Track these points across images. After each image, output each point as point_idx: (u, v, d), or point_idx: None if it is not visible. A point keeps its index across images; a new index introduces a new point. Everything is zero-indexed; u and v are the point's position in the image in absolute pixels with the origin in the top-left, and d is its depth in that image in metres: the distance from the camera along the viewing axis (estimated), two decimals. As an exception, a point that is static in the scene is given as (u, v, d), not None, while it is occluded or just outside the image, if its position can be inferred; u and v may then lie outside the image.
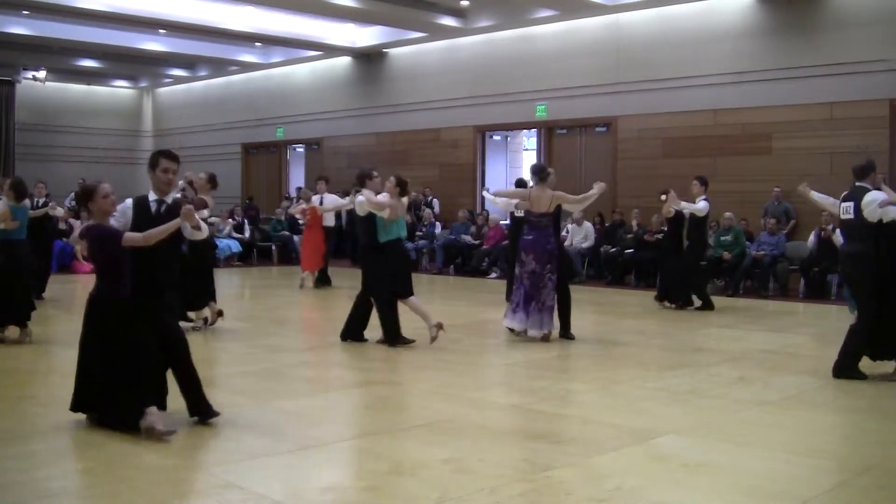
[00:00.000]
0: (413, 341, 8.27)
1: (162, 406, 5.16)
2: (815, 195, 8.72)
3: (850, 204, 7.16)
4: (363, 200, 8.15)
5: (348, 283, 15.96)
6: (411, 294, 8.38)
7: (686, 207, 11.38)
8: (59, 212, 12.62)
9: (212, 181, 9.50)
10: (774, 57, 14.42)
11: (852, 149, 12.57)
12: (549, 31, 17.30)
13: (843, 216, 7.34)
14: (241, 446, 4.90)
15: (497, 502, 3.98)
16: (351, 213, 18.61)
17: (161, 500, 3.99)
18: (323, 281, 14.03)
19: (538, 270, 8.65)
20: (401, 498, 4.04)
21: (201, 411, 5.29)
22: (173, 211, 5.24)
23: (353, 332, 8.46)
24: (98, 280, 5.18)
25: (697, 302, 11.50)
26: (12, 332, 8.30)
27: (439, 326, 8.22)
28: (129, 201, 5.32)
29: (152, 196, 5.34)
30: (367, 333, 8.54)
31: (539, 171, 8.91)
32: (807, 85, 14.07)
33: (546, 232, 8.74)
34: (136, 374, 5.02)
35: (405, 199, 8.52)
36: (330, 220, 14.43)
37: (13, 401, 6.08)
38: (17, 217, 8.74)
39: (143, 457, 4.62)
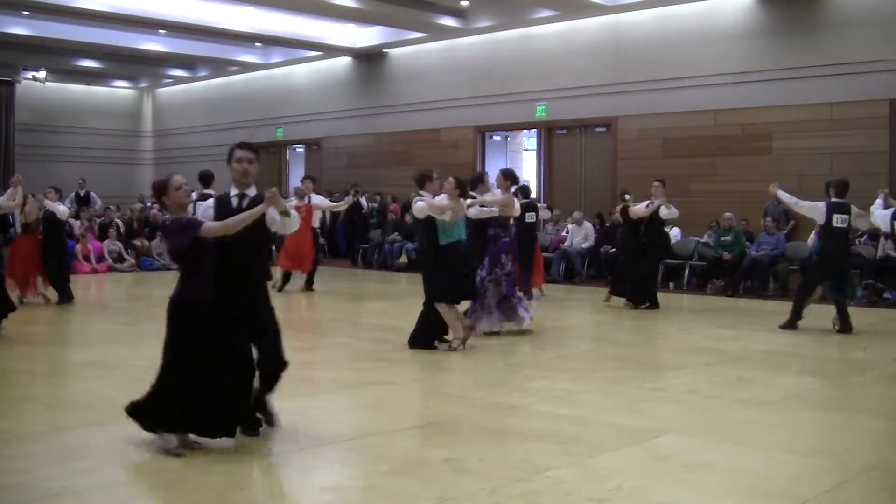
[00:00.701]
0: (436, 348, 8.23)
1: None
2: (783, 195, 10.08)
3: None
4: (423, 206, 8.00)
5: (342, 283, 15.98)
6: (475, 297, 8.57)
7: (667, 212, 11.51)
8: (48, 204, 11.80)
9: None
10: (774, 57, 14.42)
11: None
12: (549, 31, 17.29)
13: (837, 224, 9.41)
14: (241, 446, 4.89)
15: (497, 502, 3.98)
16: (335, 214, 18.74)
17: (161, 501, 3.99)
18: (308, 284, 13.59)
19: (513, 271, 8.97)
20: (401, 498, 4.04)
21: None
22: (257, 204, 4.92)
23: (422, 339, 8.23)
24: (180, 281, 4.84)
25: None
26: None
27: (465, 339, 8.17)
28: (211, 200, 5.15)
29: (233, 191, 5.08)
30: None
31: (515, 177, 9.12)
32: (807, 85, 14.07)
33: (513, 234, 9.27)
34: (231, 380, 4.79)
35: (464, 200, 8.40)
36: (315, 221, 13.96)
37: (13, 401, 6.08)
38: None
39: (144, 457, 4.62)
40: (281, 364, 5.26)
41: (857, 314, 11.60)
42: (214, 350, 4.73)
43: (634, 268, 11.61)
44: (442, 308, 8.07)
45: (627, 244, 12.07)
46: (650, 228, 11.69)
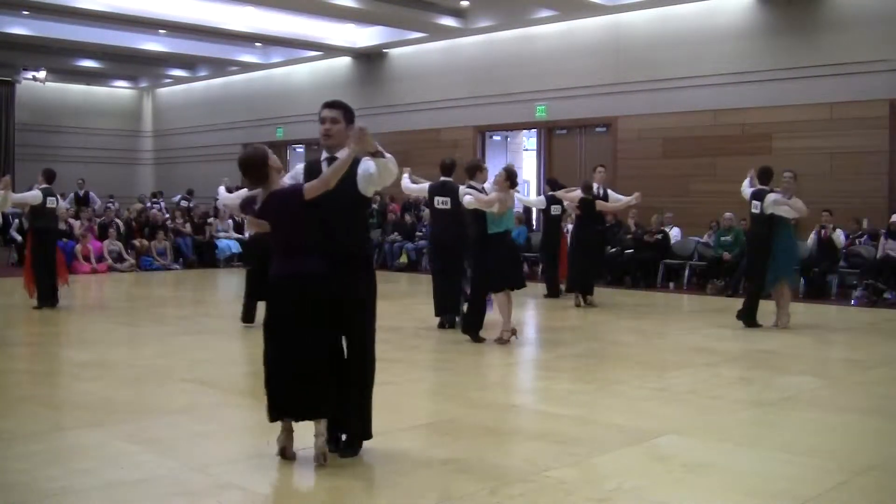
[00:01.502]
0: (483, 340, 8.40)
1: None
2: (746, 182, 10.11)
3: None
4: (471, 200, 8.21)
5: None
6: (524, 286, 8.60)
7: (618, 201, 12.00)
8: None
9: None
10: (774, 57, 14.43)
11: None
12: (549, 31, 17.30)
13: (753, 211, 9.76)
14: (241, 446, 4.90)
15: (497, 502, 3.98)
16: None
17: (161, 500, 3.99)
18: None
19: None
20: (401, 498, 4.04)
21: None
22: (350, 169, 4.54)
23: (474, 326, 8.47)
24: (281, 258, 4.43)
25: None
26: None
27: (514, 332, 8.35)
28: (300, 166, 4.82)
29: (323, 155, 4.76)
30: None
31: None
32: (807, 85, 14.07)
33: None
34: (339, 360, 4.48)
35: (514, 192, 8.61)
36: None
37: (13, 401, 6.08)
38: None
39: (143, 457, 4.62)
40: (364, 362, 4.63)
41: (857, 314, 11.63)
42: (321, 329, 4.37)
43: (593, 262, 11.99)
44: (499, 298, 8.31)
45: (588, 239, 11.96)
46: (600, 221, 12.18)
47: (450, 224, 9.23)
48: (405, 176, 9.70)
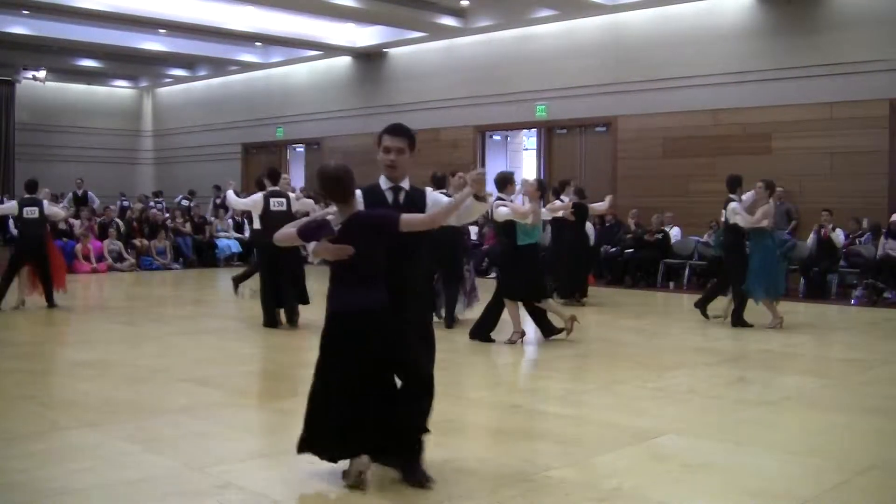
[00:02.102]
0: (493, 341, 8.49)
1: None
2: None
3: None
4: (507, 212, 8.21)
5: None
6: (547, 297, 8.76)
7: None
8: None
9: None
10: (774, 57, 14.42)
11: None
12: (549, 31, 17.29)
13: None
14: (241, 446, 4.90)
15: (497, 502, 3.98)
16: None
17: (161, 500, 3.99)
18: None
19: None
20: (401, 498, 4.04)
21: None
22: (416, 201, 4.25)
23: (482, 331, 8.55)
24: (345, 288, 4.07)
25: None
26: None
27: (573, 319, 8.55)
28: (358, 191, 4.21)
29: (385, 183, 4.27)
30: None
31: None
32: (807, 85, 14.07)
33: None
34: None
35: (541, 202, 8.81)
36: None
37: (13, 401, 6.08)
38: None
39: (143, 457, 4.62)
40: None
41: (857, 313, 11.63)
42: (385, 363, 4.08)
43: (583, 265, 12.18)
44: (509, 304, 8.43)
45: (581, 242, 12.18)
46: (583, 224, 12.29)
47: (448, 233, 9.22)
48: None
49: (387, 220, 4.01)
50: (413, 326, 4.22)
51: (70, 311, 10.99)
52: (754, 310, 9.85)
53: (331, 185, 4.07)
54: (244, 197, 10.78)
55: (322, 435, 4.12)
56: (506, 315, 8.53)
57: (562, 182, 12.79)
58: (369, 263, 4.03)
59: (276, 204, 9.54)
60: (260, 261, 9.78)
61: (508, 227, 8.33)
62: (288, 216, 9.81)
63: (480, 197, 4.18)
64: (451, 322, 9.47)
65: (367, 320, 4.01)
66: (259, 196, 9.63)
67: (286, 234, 4.08)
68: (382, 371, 4.10)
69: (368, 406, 4.04)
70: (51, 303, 10.91)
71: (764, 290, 9.55)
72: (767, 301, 9.68)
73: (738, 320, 9.74)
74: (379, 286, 4.04)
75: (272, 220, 9.23)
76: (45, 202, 11.40)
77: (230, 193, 10.53)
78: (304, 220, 4.12)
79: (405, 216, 4.03)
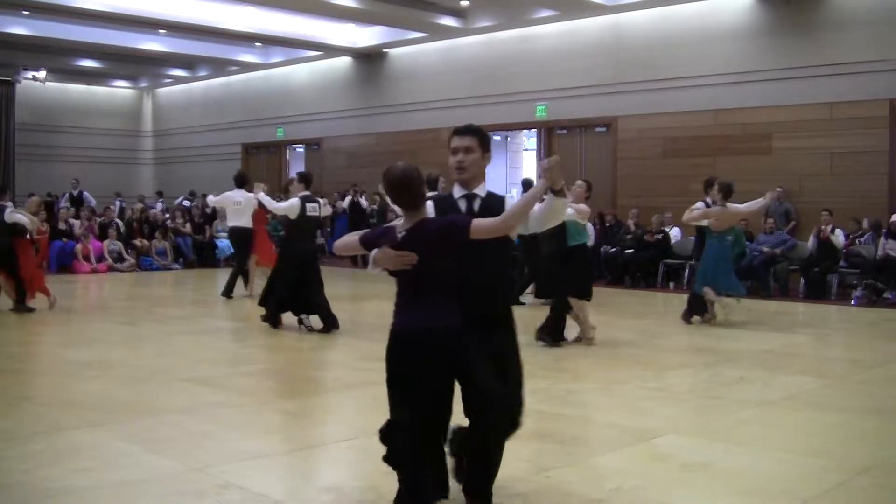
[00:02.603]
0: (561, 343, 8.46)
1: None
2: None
3: None
4: (571, 212, 8.22)
5: (342, 283, 15.96)
6: (590, 298, 8.65)
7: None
8: None
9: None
10: (774, 57, 14.42)
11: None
12: (549, 31, 17.29)
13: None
14: (241, 446, 4.89)
15: (497, 502, 3.97)
16: (334, 214, 18.55)
17: (161, 500, 3.99)
18: (228, 291, 12.51)
19: None
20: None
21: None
22: (492, 209, 3.71)
23: (553, 332, 8.50)
24: (410, 304, 3.60)
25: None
26: None
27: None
28: (429, 202, 3.78)
29: (458, 192, 3.83)
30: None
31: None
32: (807, 85, 14.07)
33: None
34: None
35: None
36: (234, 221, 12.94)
37: (13, 401, 6.08)
38: None
39: (143, 457, 4.62)
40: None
41: (857, 314, 11.63)
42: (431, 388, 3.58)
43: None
44: (582, 305, 8.46)
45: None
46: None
47: None
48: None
49: (456, 226, 3.54)
50: (490, 351, 3.64)
51: (70, 312, 10.99)
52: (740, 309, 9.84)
53: (398, 188, 3.58)
54: (280, 200, 10.84)
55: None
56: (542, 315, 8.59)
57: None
58: (437, 276, 3.56)
59: (312, 210, 9.58)
60: (284, 266, 9.45)
61: (558, 229, 8.33)
62: (318, 222, 10.36)
63: (558, 190, 3.67)
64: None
65: (430, 341, 3.53)
66: (297, 200, 9.57)
67: (348, 242, 3.76)
68: (441, 406, 3.60)
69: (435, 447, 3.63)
70: (18, 306, 10.51)
71: (705, 284, 9.79)
72: (711, 295, 9.81)
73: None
74: (447, 303, 3.56)
75: (307, 224, 9.55)
76: (8, 209, 10.85)
77: (264, 196, 10.54)
78: (380, 228, 3.77)
79: (476, 221, 3.54)
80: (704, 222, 9.99)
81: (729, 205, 9.88)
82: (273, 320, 9.43)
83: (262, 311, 9.56)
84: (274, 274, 9.73)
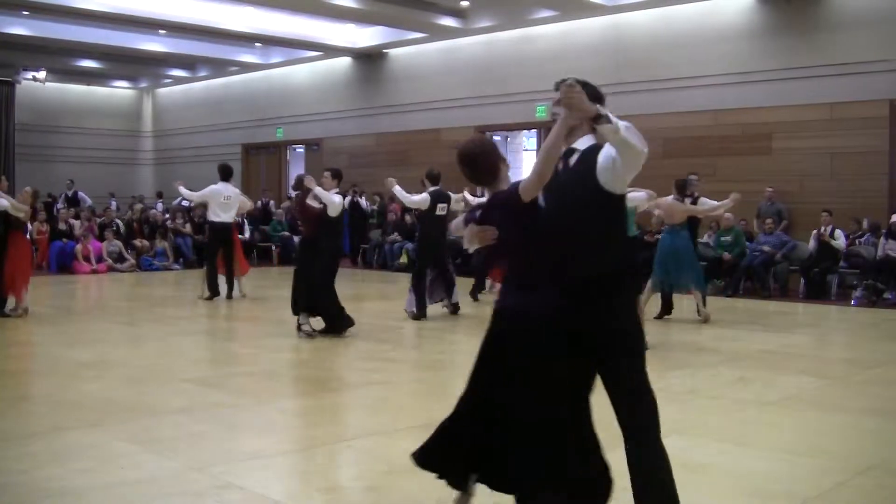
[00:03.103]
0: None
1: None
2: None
3: None
4: (644, 196, 8.59)
5: (341, 283, 15.94)
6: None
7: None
8: None
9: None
10: (774, 57, 14.42)
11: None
12: (549, 31, 17.29)
13: None
14: (241, 446, 4.89)
15: (497, 502, 3.97)
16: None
17: (161, 500, 3.99)
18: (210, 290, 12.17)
19: None
20: (401, 498, 4.04)
21: None
22: (588, 161, 3.20)
23: None
24: (505, 282, 3.43)
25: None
26: None
27: None
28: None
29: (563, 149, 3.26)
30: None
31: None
32: (807, 85, 14.07)
33: None
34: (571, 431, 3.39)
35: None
36: (214, 215, 12.38)
37: (13, 401, 6.08)
38: None
39: (143, 457, 4.62)
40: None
41: (857, 314, 11.63)
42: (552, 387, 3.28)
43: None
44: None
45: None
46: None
47: (445, 228, 10.27)
48: (397, 188, 10.57)
49: (512, 194, 3.25)
50: (605, 329, 3.22)
51: (70, 312, 10.99)
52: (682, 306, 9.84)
53: (461, 162, 3.41)
54: (415, 195, 10.81)
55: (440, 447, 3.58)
56: None
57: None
58: (516, 253, 3.32)
59: (441, 209, 10.45)
60: (326, 265, 8.97)
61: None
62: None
63: (595, 118, 3.04)
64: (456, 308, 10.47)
65: (509, 323, 3.31)
66: (427, 195, 10.37)
67: (458, 223, 3.60)
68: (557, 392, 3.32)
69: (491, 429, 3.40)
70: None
71: (658, 280, 10.06)
72: (651, 291, 10.06)
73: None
74: (532, 283, 3.23)
75: (435, 222, 10.39)
76: None
77: (398, 189, 10.53)
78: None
79: (523, 181, 3.21)
80: (657, 211, 10.41)
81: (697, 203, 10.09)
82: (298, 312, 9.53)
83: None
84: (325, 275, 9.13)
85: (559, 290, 3.17)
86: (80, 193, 21.25)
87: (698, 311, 10.24)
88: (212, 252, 12.40)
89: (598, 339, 3.24)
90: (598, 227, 3.20)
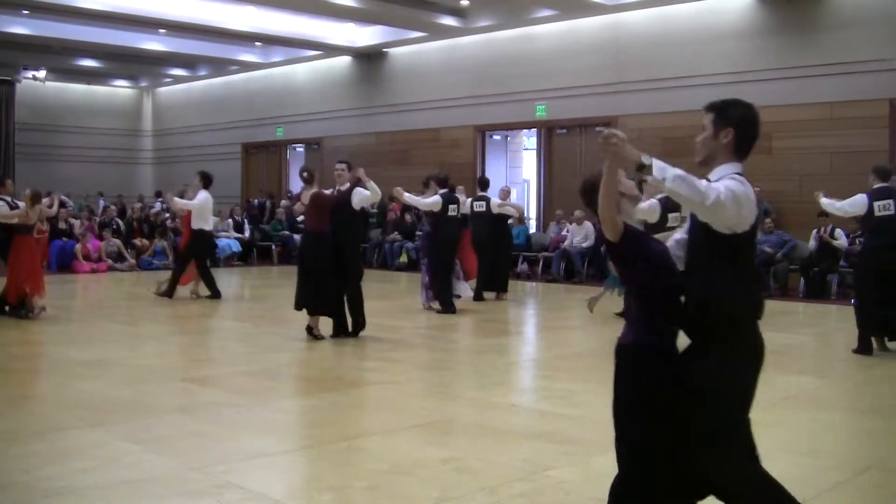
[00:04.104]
0: None
1: None
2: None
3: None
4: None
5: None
6: None
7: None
8: None
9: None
10: (774, 57, 14.42)
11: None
12: (549, 31, 17.29)
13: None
14: (241, 446, 4.90)
15: (497, 502, 3.98)
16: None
17: (161, 500, 3.99)
18: (213, 292, 12.17)
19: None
20: (401, 498, 4.04)
21: None
22: None
23: None
24: (638, 319, 3.18)
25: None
26: None
27: None
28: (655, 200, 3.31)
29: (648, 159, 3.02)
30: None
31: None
32: (807, 85, 14.07)
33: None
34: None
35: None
36: (198, 223, 12.17)
37: (13, 401, 6.08)
38: None
39: (143, 457, 4.62)
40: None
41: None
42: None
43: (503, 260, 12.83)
44: None
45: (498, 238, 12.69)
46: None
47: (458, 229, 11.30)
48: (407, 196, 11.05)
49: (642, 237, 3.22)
50: (693, 378, 3.02)
51: (70, 311, 10.99)
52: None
53: (583, 195, 3.42)
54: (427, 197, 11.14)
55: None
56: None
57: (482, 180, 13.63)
58: (629, 285, 3.25)
59: (452, 210, 11.05)
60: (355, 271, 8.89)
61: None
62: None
63: (640, 168, 3.02)
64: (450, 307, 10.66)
65: (620, 360, 3.26)
66: (438, 198, 10.84)
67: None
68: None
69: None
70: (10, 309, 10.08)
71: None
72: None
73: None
74: (636, 315, 3.16)
75: (449, 223, 10.94)
76: None
77: (409, 196, 11.03)
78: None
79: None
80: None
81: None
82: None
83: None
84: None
85: (656, 327, 3.11)
86: (63, 197, 21.30)
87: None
88: (204, 258, 12.39)
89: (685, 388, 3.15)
90: (702, 263, 3.08)
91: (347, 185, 8.81)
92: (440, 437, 5.13)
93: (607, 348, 8.76)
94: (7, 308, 10.06)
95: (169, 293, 11.93)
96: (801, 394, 6.50)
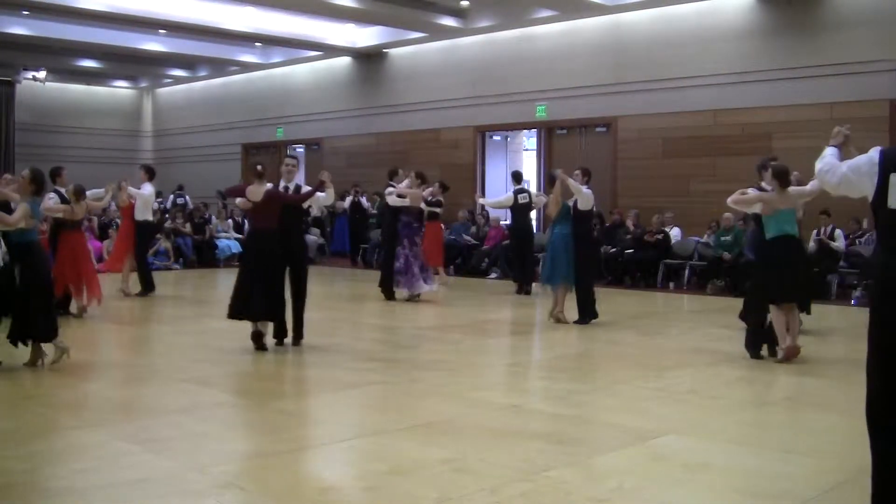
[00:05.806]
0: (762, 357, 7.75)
1: None
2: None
3: None
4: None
5: (341, 283, 15.95)
6: (791, 300, 7.50)
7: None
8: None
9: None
10: (774, 57, 14.42)
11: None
12: (549, 31, 17.29)
13: None
14: (241, 446, 4.90)
15: (497, 502, 3.98)
16: (333, 212, 18.81)
17: (161, 500, 3.99)
18: (144, 287, 12.40)
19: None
20: (401, 498, 4.05)
21: None
22: None
23: (756, 348, 7.81)
24: None
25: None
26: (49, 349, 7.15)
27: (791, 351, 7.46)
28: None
29: None
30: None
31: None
32: (807, 85, 14.07)
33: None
34: None
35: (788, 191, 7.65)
36: (142, 215, 12.39)
37: (14, 401, 6.08)
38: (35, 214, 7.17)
39: (144, 457, 4.62)
40: None
41: (857, 314, 11.61)
42: None
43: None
44: (774, 311, 7.52)
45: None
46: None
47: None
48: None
49: None
50: None
51: (69, 311, 10.96)
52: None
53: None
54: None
55: None
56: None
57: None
58: None
59: (522, 198, 12.71)
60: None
61: (757, 222, 7.73)
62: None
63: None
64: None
65: None
66: (511, 193, 12.46)
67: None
68: None
69: None
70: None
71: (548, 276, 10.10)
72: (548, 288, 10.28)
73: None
74: None
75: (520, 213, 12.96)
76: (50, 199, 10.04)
77: (486, 199, 12.50)
78: None
79: None
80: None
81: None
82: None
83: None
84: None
85: None
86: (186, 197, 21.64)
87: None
88: (145, 251, 13.06)
89: None
90: None
91: (296, 182, 8.46)
92: (440, 437, 5.13)
93: (607, 350, 8.81)
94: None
95: (145, 289, 12.42)
96: (801, 394, 6.50)
